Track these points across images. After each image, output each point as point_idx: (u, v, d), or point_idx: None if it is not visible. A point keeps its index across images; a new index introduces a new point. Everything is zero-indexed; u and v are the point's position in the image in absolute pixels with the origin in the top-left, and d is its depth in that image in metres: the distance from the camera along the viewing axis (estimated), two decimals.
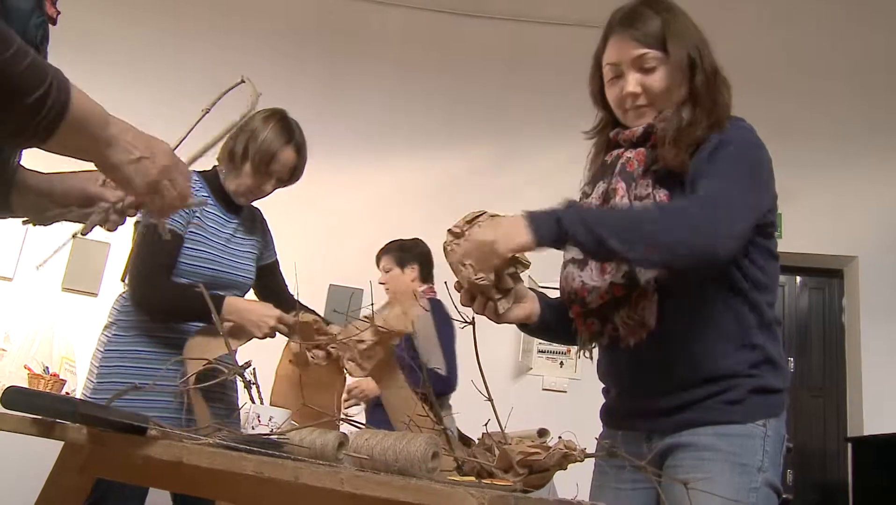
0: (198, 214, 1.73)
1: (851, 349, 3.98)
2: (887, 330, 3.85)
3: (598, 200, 1.26)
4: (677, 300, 1.19)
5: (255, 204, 1.92)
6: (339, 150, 4.30)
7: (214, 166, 1.86)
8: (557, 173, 4.41)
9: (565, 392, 3.87)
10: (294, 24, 4.59)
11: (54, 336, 3.53)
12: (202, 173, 1.84)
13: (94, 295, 3.89)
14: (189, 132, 1.02)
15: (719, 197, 1.09)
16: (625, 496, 1.25)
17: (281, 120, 1.83)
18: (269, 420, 1.11)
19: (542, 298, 1.30)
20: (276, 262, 2.00)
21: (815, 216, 3.94)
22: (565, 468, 0.99)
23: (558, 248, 1.10)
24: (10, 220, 1.05)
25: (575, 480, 1.22)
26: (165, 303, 1.64)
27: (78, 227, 0.98)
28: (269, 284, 1.94)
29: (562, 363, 3.93)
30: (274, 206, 4.11)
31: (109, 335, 1.76)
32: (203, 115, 1.00)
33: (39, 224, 0.95)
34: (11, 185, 0.99)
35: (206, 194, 1.78)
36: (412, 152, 4.40)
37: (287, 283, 1.97)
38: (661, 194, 1.19)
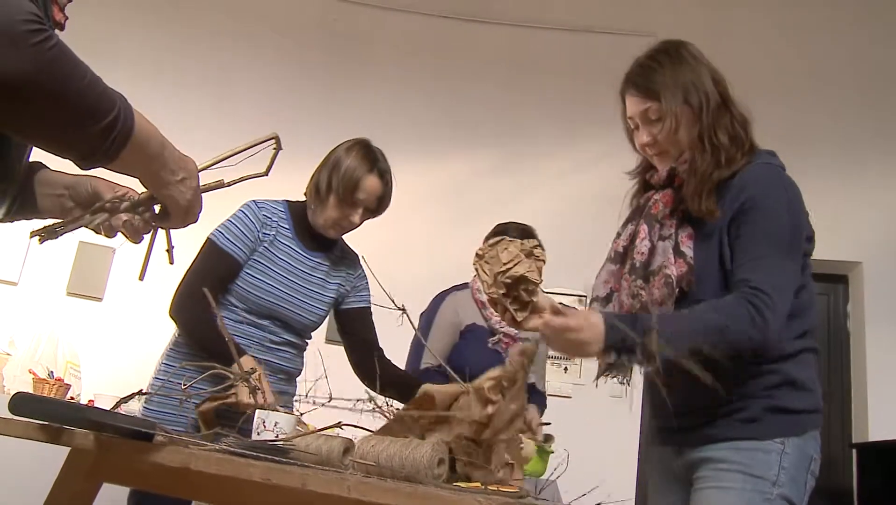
0: (266, 244, 1.70)
1: (856, 355, 3.97)
2: (892, 335, 3.84)
3: (626, 241, 1.38)
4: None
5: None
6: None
7: (303, 201, 1.82)
8: (561, 178, 4.44)
9: (570, 397, 3.86)
10: (297, 30, 4.61)
11: (59, 341, 3.54)
12: (290, 204, 1.81)
13: (99, 300, 3.90)
14: (205, 167, 1.02)
15: (766, 293, 1.17)
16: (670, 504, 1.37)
17: (364, 148, 1.80)
18: (275, 426, 1.11)
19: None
20: (367, 309, 1.89)
21: (819, 221, 3.85)
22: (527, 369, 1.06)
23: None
24: (16, 224, 1.07)
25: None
26: (191, 325, 1.61)
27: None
28: (357, 330, 1.84)
29: (566, 368, 3.92)
30: None
31: (167, 350, 1.74)
32: (222, 159, 1.02)
33: (48, 238, 0.97)
34: (30, 184, 1.03)
35: (286, 226, 1.75)
36: (416, 156, 4.37)
37: (374, 333, 1.87)
38: (684, 236, 1.29)
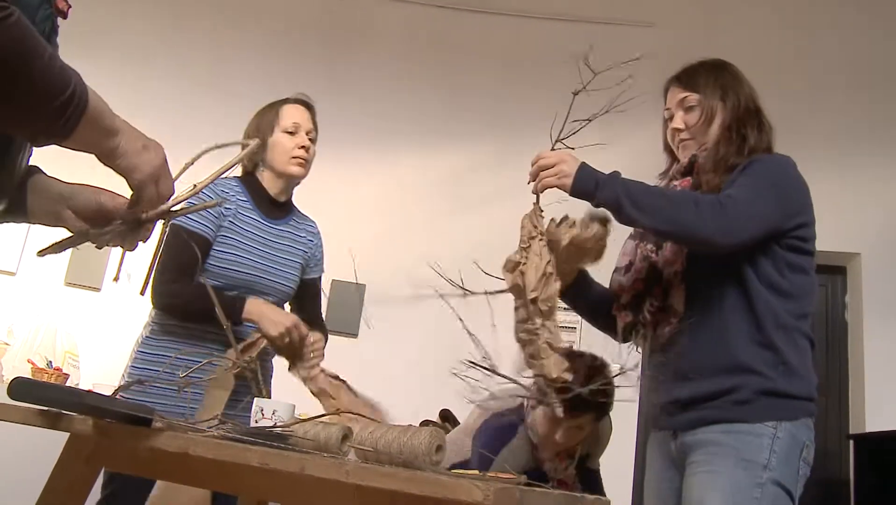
0: (230, 218, 1.72)
1: (854, 346, 3.98)
2: (890, 327, 3.84)
3: None
4: (701, 291, 1.32)
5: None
6: (338, 145, 4.21)
7: (251, 172, 1.85)
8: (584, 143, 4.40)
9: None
10: (293, 20, 4.58)
11: (57, 331, 3.54)
12: (241, 178, 1.83)
13: (97, 290, 3.90)
14: (205, 184, 1.01)
15: (730, 200, 1.24)
16: (665, 489, 1.40)
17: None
18: (273, 413, 1.11)
19: (591, 281, 1.48)
20: (317, 280, 1.94)
21: (818, 213, 3.87)
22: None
23: (591, 202, 1.27)
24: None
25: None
26: (181, 302, 1.63)
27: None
28: (303, 301, 1.88)
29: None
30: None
31: (142, 339, 1.75)
32: (220, 173, 1.01)
33: (53, 252, 0.95)
34: (24, 187, 0.99)
35: (244, 198, 1.77)
36: (412, 148, 4.37)
37: (321, 307, 1.91)
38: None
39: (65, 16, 0.98)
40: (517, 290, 1.23)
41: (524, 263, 1.23)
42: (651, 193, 1.26)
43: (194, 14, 4.50)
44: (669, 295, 1.35)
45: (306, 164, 1.84)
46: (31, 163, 1.02)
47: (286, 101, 1.86)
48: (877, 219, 4.03)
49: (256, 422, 1.12)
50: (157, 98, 4.08)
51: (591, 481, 2.03)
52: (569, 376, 1.18)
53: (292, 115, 1.83)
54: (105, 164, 0.88)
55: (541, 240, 1.24)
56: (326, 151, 4.30)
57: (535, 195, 1.32)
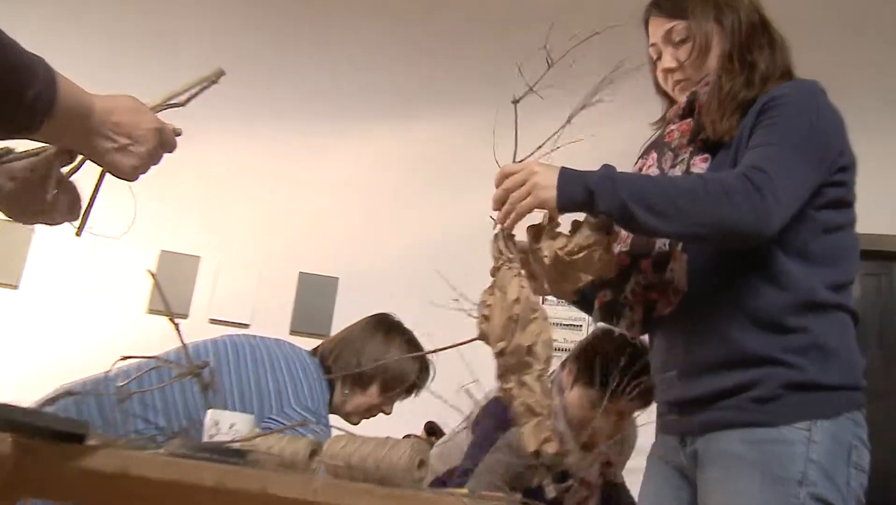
0: None
1: None
2: None
3: None
4: (706, 263, 1.26)
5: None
6: (308, 117, 4.28)
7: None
8: (564, 140, 4.38)
9: None
10: None
11: None
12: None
13: (15, 287, 3.88)
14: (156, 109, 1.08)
15: (761, 176, 1.15)
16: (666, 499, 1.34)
17: (404, 338, 1.96)
18: (231, 427, 1.11)
19: None
20: None
21: (868, 192, 3.82)
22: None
23: (589, 213, 1.19)
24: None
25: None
26: None
27: None
28: None
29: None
30: (233, 182, 4.24)
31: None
32: (174, 98, 1.10)
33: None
34: None
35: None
36: (395, 119, 4.36)
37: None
38: (698, 159, 1.30)
39: None
40: (485, 339, 1.16)
41: (489, 305, 1.15)
42: (665, 190, 1.16)
43: None
44: (667, 268, 1.28)
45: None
46: None
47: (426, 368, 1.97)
48: None
49: (211, 437, 1.12)
50: (89, 58, 4.04)
51: (620, 499, 2.03)
52: (552, 448, 1.09)
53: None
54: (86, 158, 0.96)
55: (510, 268, 1.16)
56: (291, 125, 4.33)
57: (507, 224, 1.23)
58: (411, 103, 4.39)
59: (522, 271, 1.17)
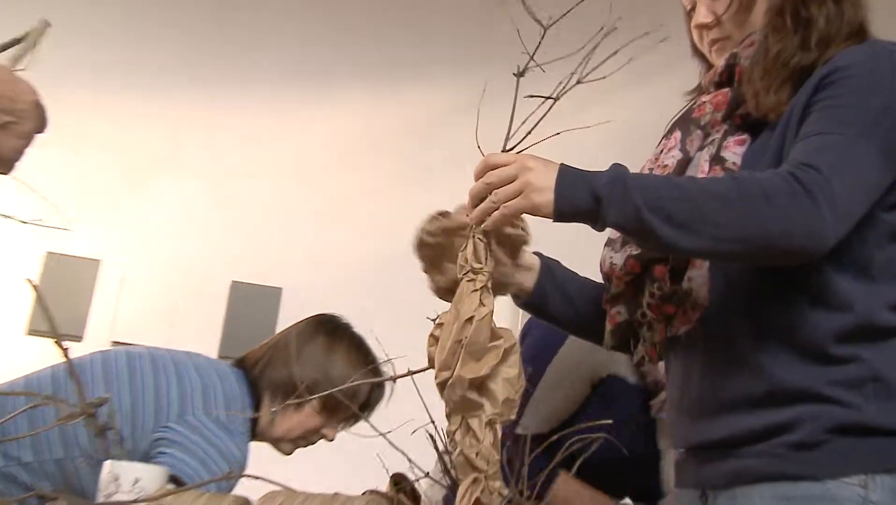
0: None
1: None
2: None
3: (651, 162, 1.28)
4: (734, 273, 1.16)
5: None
6: (245, 89, 3.96)
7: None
8: (568, 115, 4.18)
9: None
10: None
11: None
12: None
13: None
14: None
15: (816, 170, 1.02)
16: None
17: (351, 342, 1.81)
18: (135, 483, 1.04)
19: (558, 269, 1.32)
20: None
21: None
22: None
23: (593, 225, 1.07)
24: None
25: None
26: None
27: None
28: None
29: None
30: (146, 167, 3.94)
31: None
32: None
33: None
34: None
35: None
36: (355, 93, 4.03)
37: None
38: (732, 141, 1.18)
39: None
40: (433, 365, 1.10)
41: (441, 323, 1.10)
42: (689, 195, 1.05)
43: None
44: (684, 276, 1.19)
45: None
46: None
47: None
48: None
49: (108, 496, 1.04)
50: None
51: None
52: None
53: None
54: None
55: (471, 280, 1.09)
56: (223, 97, 4.00)
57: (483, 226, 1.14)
58: (374, 75, 4.04)
59: (489, 285, 1.07)
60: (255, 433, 1.71)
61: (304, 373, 1.70)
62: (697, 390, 1.18)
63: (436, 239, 1.16)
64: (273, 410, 1.69)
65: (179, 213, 3.89)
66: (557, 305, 1.31)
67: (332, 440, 1.77)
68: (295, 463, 1.79)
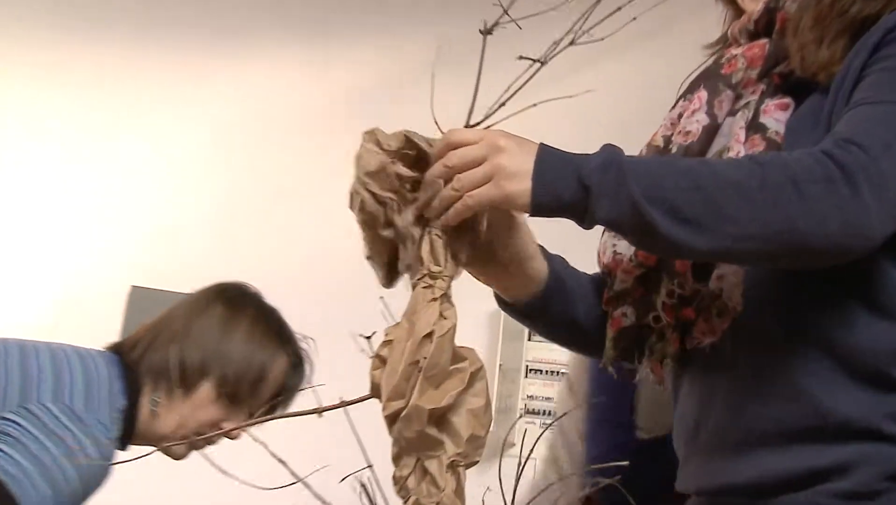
0: None
1: None
2: None
3: (669, 127, 1.21)
4: (770, 274, 1.09)
5: None
6: (143, 40, 3.63)
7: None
8: (546, 83, 4.03)
9: None
10: None
11: None
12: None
13: None
14: None
15: (860, 149, 0.95)
16: None
17: (260, 314, 1.68)
18: None
19: (557, 261, 1.24)
20: None
21: None
22: None
23: (579, 222, 1.01)
24: None
25: None
26: None
27: None
28: None
29: None
30: (14, 142, 3.63)
31: None
32: None
33: None
34: None
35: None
36: (284, 49, 3.72)
37: None
38: (772, 104, 1.11)
39: None
40: (377, 395, 1.03)
41: (389, 341, 1.03)
42: (700, 184, 0.98)
43: None
44: (712, 274, 1.11)
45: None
46: None
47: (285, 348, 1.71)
48: None
49: None
50: None
51: None
52: None
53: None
54: None
55: (428, 287, 1.02)
56: (114, 50, 3.79)
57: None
58: (309, 28, 3.78)
59: (450, 292, 1.01)
60: (134, 433, 1.56)
61: (194, 352, 1.57)
62: (719, 420, 1.11)
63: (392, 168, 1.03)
64: (153, 398, 1.57)
65: (63, 201, 3.61)
66: (557, 310, 1.22)
67: (236, 438, 1.56)
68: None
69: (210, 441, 1.58)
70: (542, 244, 1.22)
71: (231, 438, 1.56)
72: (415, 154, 1.01)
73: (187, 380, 1.55)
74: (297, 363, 1.62)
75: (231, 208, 3.68)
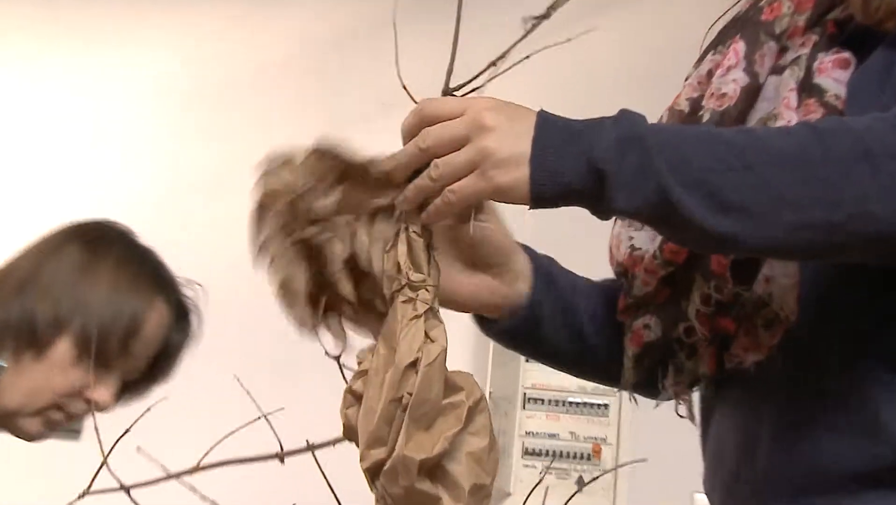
0: None
1: None
2: None
3: (696, 87, 1.09)
4: (832, 274, 0.99)
5: None
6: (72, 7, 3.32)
7: None
8: (542, 35, 3.86)
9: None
10: None
11: None
12: None
13: None
14: None
15: None
16: None
17: (127, 252, 1.44)
18: None
19: (541, 257, 1.11)
20: None
21: None
22: None
23: (593, 212, 0.89)
24: None
25: None
26: None
27: None
28: None
29: (581, 478, 3.24)
30: None
31: None
32: None
33: None
34: None
35: None
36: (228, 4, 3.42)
37: None
38: (829, 60, 1.00)
39: None
40: (352, 438, 0.92)
41: (363, 372, 0.94)
42: (746, 161, 0.88)
43: None
44: (758, 274, 0.99)
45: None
46: None
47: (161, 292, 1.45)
48: None
49: None
50: None
51: None
52: None
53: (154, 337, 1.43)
54: None
55: (409, 301, 0.93)
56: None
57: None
58: None
59: (436, 306, 0.90)
60: None
61: (45, 303, 1.34)
62: (767, 460, 0.98)
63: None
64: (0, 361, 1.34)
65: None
66: (553, 331, 1.08)
67: (103, 408, 1.39)
68: None
69: (71, 416, 1.39)
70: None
71: (99, 410, 1.38)
72: (338, 164, 0.89)
73: (38, 338, 1.32)
74: (181, 313, 1.40)
75: (178, 175, 3.43)
